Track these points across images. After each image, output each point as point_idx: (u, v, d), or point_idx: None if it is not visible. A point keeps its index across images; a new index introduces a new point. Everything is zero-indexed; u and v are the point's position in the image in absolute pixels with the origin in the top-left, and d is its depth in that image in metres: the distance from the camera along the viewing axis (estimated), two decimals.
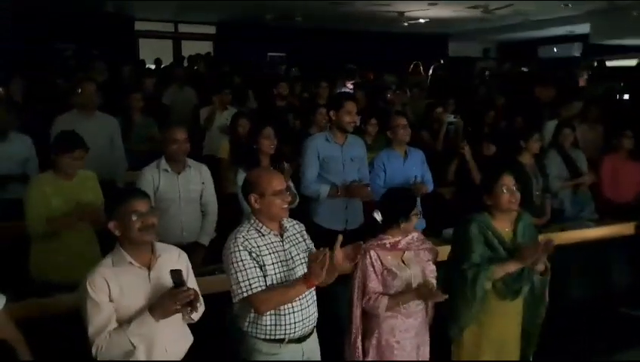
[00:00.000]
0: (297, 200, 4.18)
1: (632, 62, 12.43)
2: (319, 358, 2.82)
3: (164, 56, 11.58)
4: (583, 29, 11.83)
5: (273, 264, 2.59)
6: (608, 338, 4.07)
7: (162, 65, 10.82)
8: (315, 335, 2.78)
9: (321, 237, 3.02)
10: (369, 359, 3.00)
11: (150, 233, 2.45)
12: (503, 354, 3.25)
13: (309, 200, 4.34)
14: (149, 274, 2.48)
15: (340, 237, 2.51)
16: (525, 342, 3.35)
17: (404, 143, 4.58)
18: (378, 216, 3.07)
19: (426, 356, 3.12)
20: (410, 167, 4.57)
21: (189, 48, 12.16)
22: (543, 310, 3.31)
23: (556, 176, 5.25)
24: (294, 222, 2.87)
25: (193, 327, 2.67)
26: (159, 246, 2.58)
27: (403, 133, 4.53)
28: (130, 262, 2.45)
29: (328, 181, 4.30)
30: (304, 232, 2.85)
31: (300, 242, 2.76)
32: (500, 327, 3.23)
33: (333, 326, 2.86)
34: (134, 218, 2.40)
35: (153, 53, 11.60)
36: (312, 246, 2.81)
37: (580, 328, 4.13)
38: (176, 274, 2.40)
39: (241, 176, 3.74)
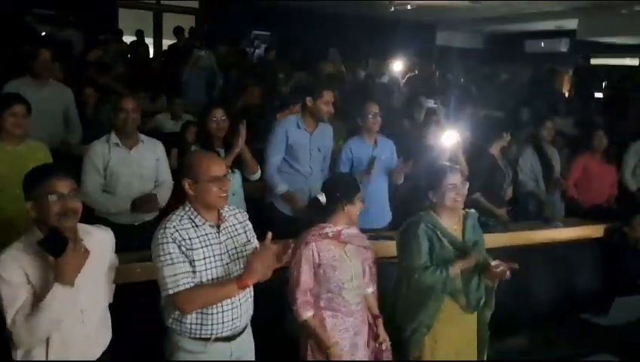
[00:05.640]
0: (259, 171, 3.99)
1: (615, 62, 12.41)
2: (252, 357, 2.62)
3: (146, 28, 11.29)
4: (572, 24, 11.66)
5: (205, 259, 2.37)
6: (567, 345, 3.95)
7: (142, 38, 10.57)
8: (248, 332, 2.58)
9: (281, 223, 2.84)
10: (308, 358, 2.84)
11: (70, 219, 2.16)
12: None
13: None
14: None
15: (270, 235, 2.33)
16: (478, 347, 3.22)
17: (373, 132, 4.38)
18: (322, 198, 2.92)
19: (364, 357, 2.94)
20: (379, 155, 4.39)
21: (171, 21, 11.85)
22: (488, 314, 3.20)
23: (529, 175, 5.12)
24: (237, 210, 2.62)
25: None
26: (84, 228, 2.30)
27: (373, 122, 4.33)
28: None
29: (293, 168, 4.16)
30: (247, 223, 2.61)
31: (239, 234, 2.53)
32: (456, 336, 3.09)
33: (270, 322, 2.67)
34: (53, 199, 2.11)
35: (134, 24, 11.25)
36: (254, 239, 2.58)
37: (540, 333, 4.00)
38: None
39: None
